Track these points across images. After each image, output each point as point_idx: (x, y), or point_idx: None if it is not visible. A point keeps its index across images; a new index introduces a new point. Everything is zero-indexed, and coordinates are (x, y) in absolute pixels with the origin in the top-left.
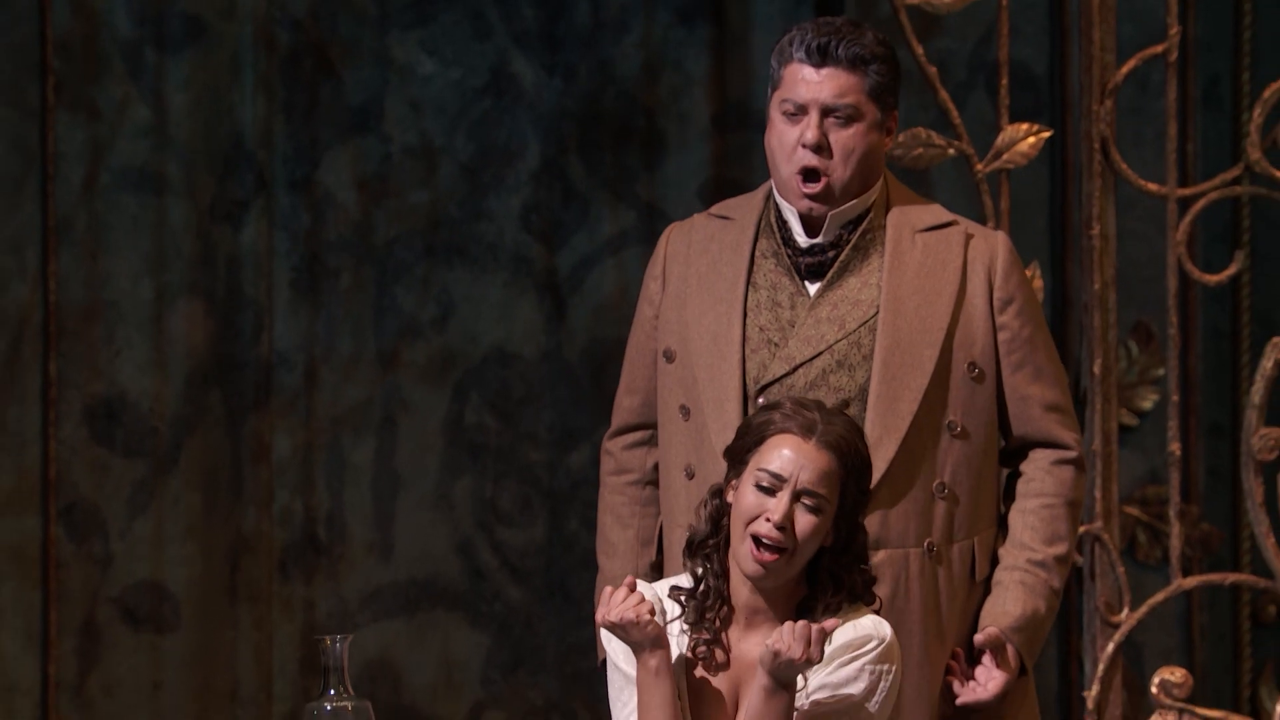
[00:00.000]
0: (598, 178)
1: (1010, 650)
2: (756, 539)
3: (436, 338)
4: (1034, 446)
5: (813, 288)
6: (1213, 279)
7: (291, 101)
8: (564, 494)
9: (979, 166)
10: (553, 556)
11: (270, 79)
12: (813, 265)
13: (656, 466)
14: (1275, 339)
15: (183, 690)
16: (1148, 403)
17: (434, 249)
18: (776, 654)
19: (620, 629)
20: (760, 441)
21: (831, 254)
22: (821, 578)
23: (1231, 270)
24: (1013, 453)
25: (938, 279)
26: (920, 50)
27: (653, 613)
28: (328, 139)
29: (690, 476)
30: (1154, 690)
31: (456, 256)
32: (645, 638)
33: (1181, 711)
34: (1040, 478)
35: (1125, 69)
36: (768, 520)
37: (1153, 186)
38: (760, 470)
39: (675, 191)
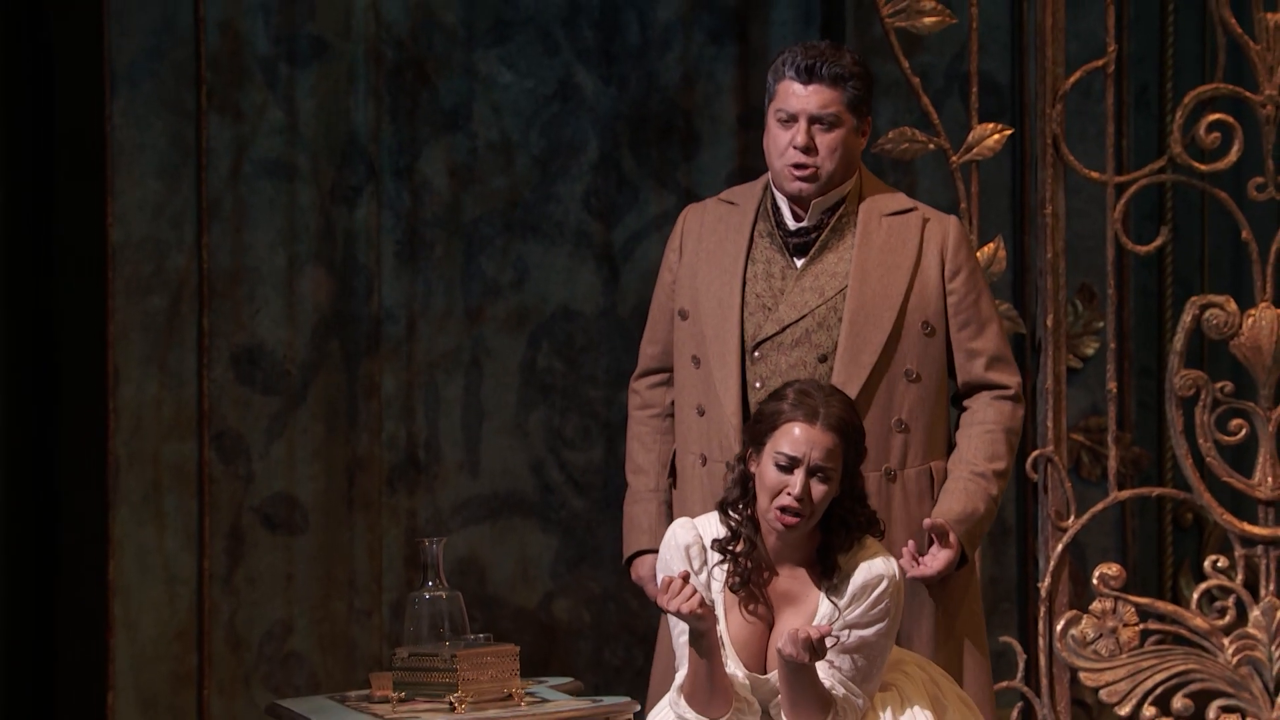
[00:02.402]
0: (645, 168)
1: (952, 536)
2: (781, 508)
3: (514, 297)
4: (979, 389)
5: (799, 262)
6: (1142, 249)
7: (396, 105)
8: (618, 424)
9: (954, 158)
10: (609, 474)
11: (379, 87)
12: (800, 244)
13: (673, 403)
14: (1193, 298)
15: (310, 581)
16: (1090, 350)
17: (511, 226)
18: (790, 657)
19: (680, 616)
20: (774, 428)
21: (814, 235)
22: (834, 523)
23: (1158, 242)
24: (962, 395)
25: (898, 255)
26: (906, 64)
27: (703, 604)
28: (425, 136)
29: (701, 414)
30: (1094, 582)
31: (530, 232)
32: (699, 625)
33: (1116, 599)
34: (983, 410)
35: (1072, 79)
36: (789, 494)
37: (1094, 174)
38: (778, 453)
39: (708, 178)
